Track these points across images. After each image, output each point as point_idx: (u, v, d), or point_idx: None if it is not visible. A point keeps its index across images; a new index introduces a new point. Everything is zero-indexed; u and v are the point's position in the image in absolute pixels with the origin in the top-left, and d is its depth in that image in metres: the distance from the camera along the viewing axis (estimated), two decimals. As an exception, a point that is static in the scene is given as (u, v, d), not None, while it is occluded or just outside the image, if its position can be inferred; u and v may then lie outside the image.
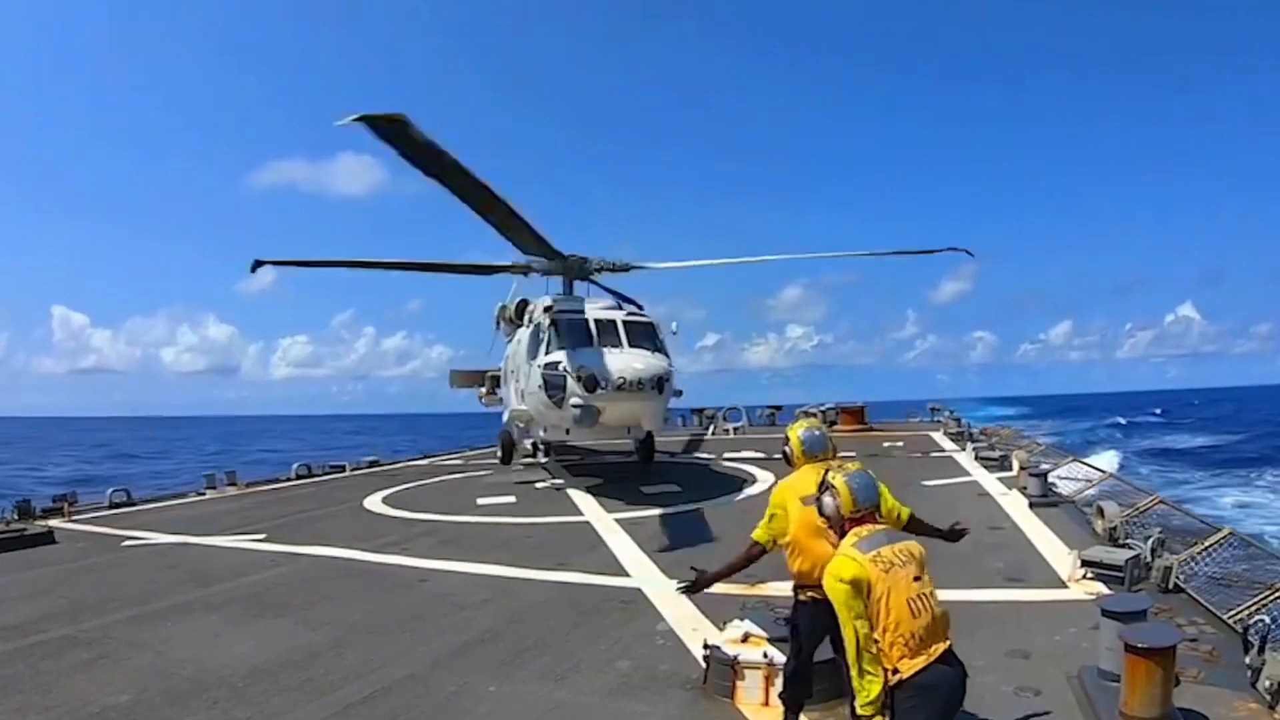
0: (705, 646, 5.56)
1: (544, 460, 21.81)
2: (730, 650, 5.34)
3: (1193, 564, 7.62)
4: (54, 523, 13.96)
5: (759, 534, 4.54)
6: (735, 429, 27.78)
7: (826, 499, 3.66)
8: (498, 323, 20.64)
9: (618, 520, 12.01)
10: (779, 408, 32.85)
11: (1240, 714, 4.77)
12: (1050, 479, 12.75)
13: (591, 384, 14.06)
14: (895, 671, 3.24)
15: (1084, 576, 7.54)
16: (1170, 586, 7.27)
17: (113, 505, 16.31)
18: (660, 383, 14.58)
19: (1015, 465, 15.16)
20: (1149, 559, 7.57)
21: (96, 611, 8.12)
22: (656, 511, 12.73)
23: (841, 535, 3.58)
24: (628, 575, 8.75)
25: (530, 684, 5.75)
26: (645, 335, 15.64)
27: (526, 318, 18.25)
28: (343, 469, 21.99)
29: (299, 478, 20.57)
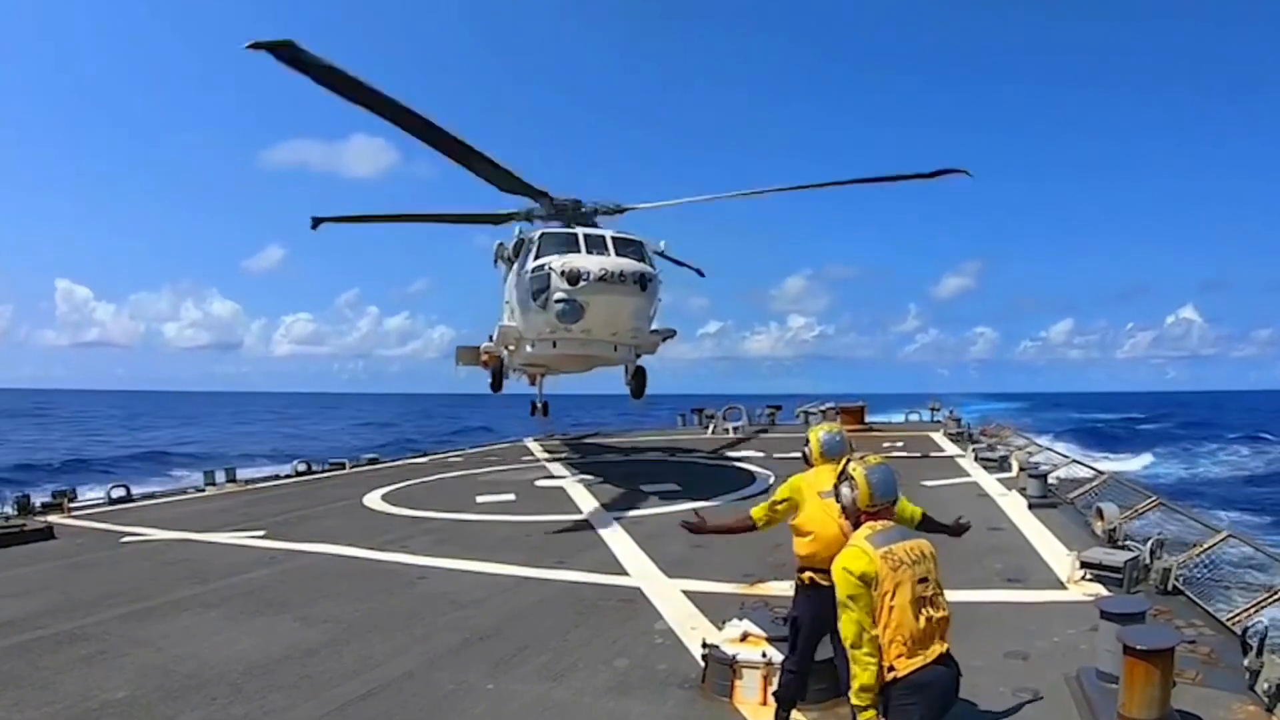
0: (704, 645, 5.56)
1: (548, 461, 21.82)
2: (729, 649, 5.34)
3: (1192, 566, 7.62)
4: (53, 518, 13.95)
5: (757, 512, 4.79)
6: (735, 429, 27.77)
7: (844, 489, 3.63)
8: (495, 260, 20.62)
9: (617, 519, 12.02)
10: (778, 407, 32.81)
11: (1238, 716, 4.77)
12: (1050, 479, 12.75)
13: (574, 277, 14.26)
14: (891, 669, 3.27)
15: (1083, 578, 7.55)
16: (1169, 588, 7.27)
17: (112, 501, 16.33)
18: (643, 280, 14.77)
19: (1015, 466, 15.16)
20: (1148, 560, 7.57)
21: (95, 608, 8.12)
22: (656, 510, 12.75)
23: (856, 527, 3.58)
24: (627, 574, 8.75)
25: (528, 682, 5.75)
26: (632, 249, 15.76)
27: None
28: (342, 466, 22.00)
29: (298, 474, 20.58)
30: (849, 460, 3.76)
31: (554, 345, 15.86)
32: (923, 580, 3.33)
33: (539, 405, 25.06)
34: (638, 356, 17.69)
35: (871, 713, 3.32)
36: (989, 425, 27.27)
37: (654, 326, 17.10)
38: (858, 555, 3.35)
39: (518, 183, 16.36)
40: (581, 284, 14.29)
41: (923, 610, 3.29)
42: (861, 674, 3.30)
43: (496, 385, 20.10)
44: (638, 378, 18.19)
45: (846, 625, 3.33)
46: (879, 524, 3.49)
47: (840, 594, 3.35)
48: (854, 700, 3.34)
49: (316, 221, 19.48)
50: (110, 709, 5.48)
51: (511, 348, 17.99)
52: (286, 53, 11.31)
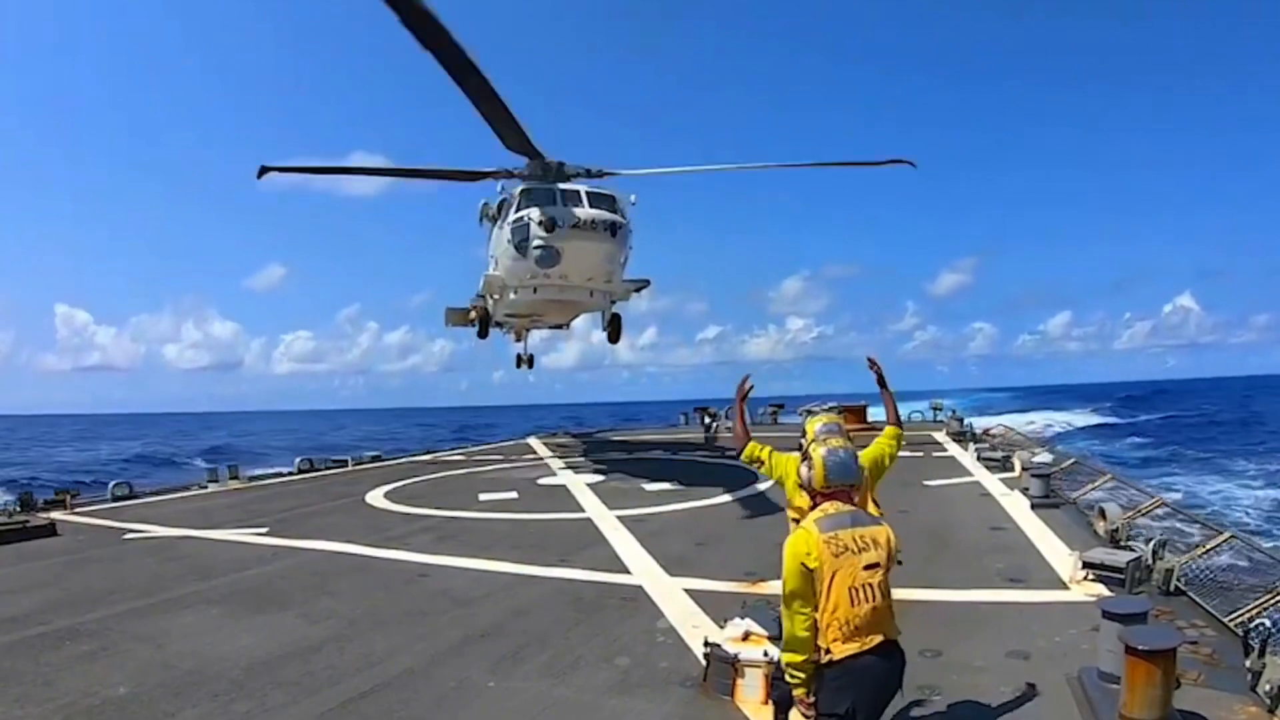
0: (706, 644, 5.54)
1: (551, 459, 21.87)
2: (731, 648, 5.33)
3: (1194, 566, 7.59)
4: (56, 515, 14.00)
5: (757, 448, 4.66)
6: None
7: (803, 469, 3.70)
8: (481, 219, 21.55)
9: (619, 517, 12.02)
10: (780, 406, 32.81)
11: (1240, 717, 4.75)
12: (1052, 480, 12.73)
13: (550, 225, 15.75)
14: (827, 652, 3.31)
15: (1085, 578, 7.52)
16: (1171, 589, 7.24)
17: (115, 498, 16.36)
18: (614, 228, 16.20)
19: (1017, 466, 15.14)
20: (1150, 561, 7.55)
21: (97, 604, 8.14)
22: (658, 509, 12.76)
23: (814, 505, 3.60)
24: (629, 572, 8.74)
25: (530, 680, 5.75)
26: (605, 202, 16.85)
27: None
28: (345, 463, 22.03)
29: (301, 472, 20.63)
30: (813, 441, 3.77)
31: (534, 291, 17.25)
32: (870, 567, 3.33)
33: (524, 358, 26.47)
34: (612, 303, 19.06)
35: (802, 690, 3.40)
36: (992, 428, 27.25)
37: (625, 276, 18.38)
38: (802, 538, 3.39)
39: (526, 143, 17.21)
40: (557, 231, 15.73)
41: (865, 598, 3.29)
42: (791, 656, 3.41)
43: (483, 333, 21.52)
44: (613, 323, 19.76)
45: (785, 604, 3.40)
46: (832, 506, 3.49)
47: (783, 575, 3.41)
48: (787, 677, 3.44)
49: (264, 170, 18.72)
50: (112, 705, 5.48)
51: (496, 296, 19.22)
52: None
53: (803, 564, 3.32)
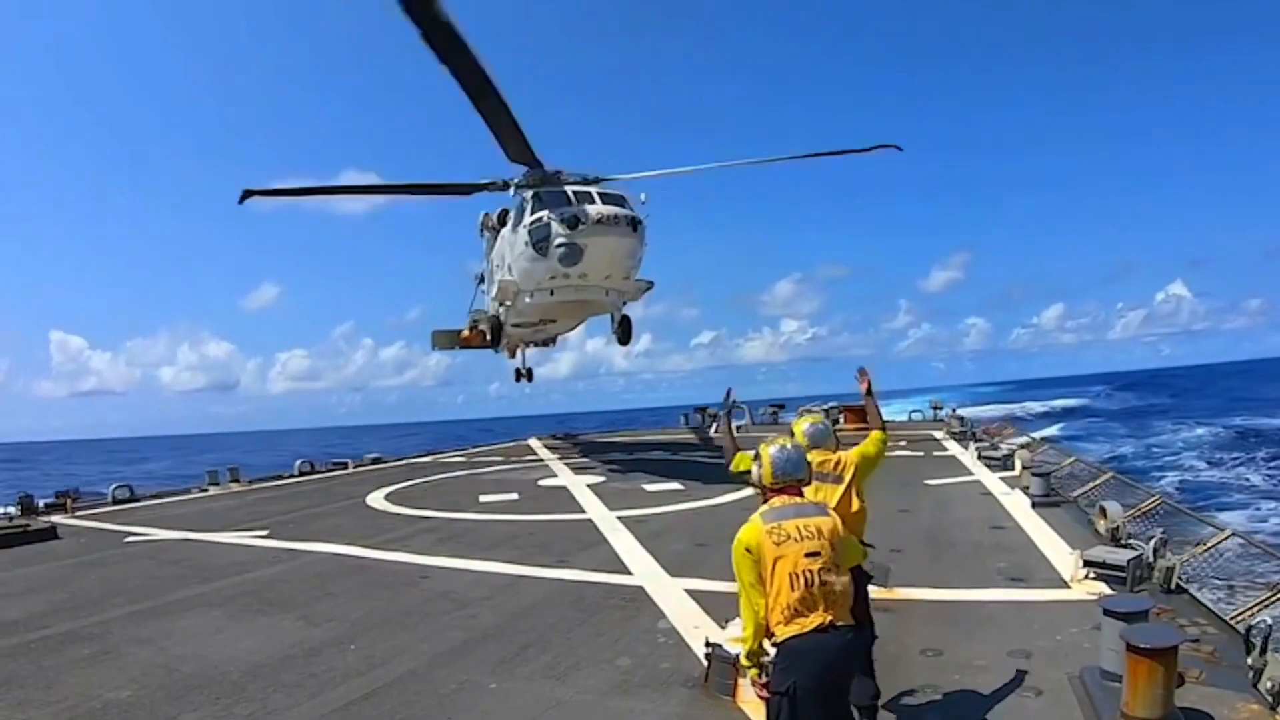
0: (707, 645, 5.55)
1: (552, 460, 21.86)
2: (732, 649, 5.31)
3: (1195, 564, 7.59)
4: (57, 518, 14.02)
5: (746, 459, 4.47)
6: (738, 428, 27.77)
7: (754, 467, 3.90)
8: (481, 231, 21.66)
9: (620, 518, 12.03)
10: (781, 405, 32.87)
11: (1241, 715, 4.75)
12: (1052, 479, 12.72)
13: (574, 222, 15.64)
14: (772, 635, 3.50)
15: (1086, 576, 7.52)
16: (1172, 587, 7.24)
17: (115, 501, 16.37)
18: (634, 223, 16.18)
19: (1018, 465, 15.14)
20: (1151, 559, 7.54)
21: (98, 607, 8.15)
22: (659, 509, 12.76)
23: (765, 501, 3.80)
24: (630, 573, 8.74)
25: (531, 681, 5.75)
26: (618, 201, 16.79)
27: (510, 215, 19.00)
28: (345, 466, 22.04)
29: (302, 474, 20.64)
30: (766, 441, 3.97)
31: (551, 294, 17.04)
32: (812, 554, 3.49)
33: (523, 371, 26.47)
34: (624, 304, 18.80)
35: (755, 672, 3.60)
36: (991, 425, 27.26)
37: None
38: (748, 529, 3.60)
39: (526, 151, 17.10)
40: (580, 228, 15.59)
41: (806, 583, 3.45)
42: (745, 641, 3.60)
43: (495, 341, 21.53)
44: (623, 325, 19.33)
45: (740, 596, 3.61)
46: (779, 500, 3.71)
47: (734, 564, 3.61)
48: (742, 662, 3.67)
49: (245, 195, 18.54)
50: (113, 708, 5.49)
51: (509, 303, 19.00)
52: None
53: (746, 549, 3.53)
